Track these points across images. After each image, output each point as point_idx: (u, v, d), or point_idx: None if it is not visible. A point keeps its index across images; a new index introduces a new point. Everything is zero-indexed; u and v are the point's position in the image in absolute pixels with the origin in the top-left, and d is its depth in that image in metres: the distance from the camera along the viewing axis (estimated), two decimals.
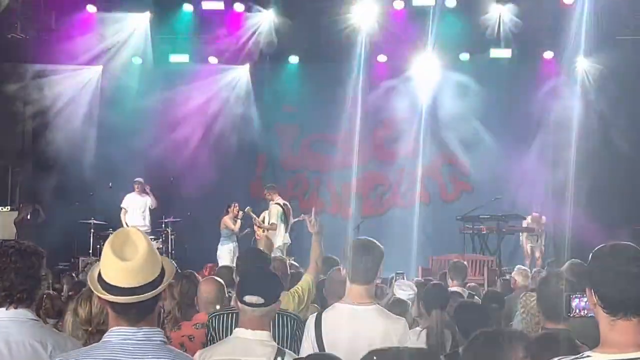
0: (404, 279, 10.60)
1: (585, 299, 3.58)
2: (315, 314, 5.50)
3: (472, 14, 18.70)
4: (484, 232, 17.30)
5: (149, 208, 18.75)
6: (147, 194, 18.74)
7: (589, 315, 3.57)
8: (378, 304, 5.59)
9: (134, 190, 18.69)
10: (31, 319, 4.39)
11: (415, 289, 8.82)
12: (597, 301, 3.22)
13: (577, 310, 3.89)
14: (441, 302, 6.87)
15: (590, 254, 3.28)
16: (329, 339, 5.17)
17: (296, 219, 18.17)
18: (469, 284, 11.47)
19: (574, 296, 3.90)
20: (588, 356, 3.20)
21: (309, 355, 4.64)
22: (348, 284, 5.43)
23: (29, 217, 18.72)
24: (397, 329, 5.22)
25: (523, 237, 18.82)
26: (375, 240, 5.56)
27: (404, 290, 8.53)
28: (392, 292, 8.81)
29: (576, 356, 3.25)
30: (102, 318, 4.98)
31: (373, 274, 5.38)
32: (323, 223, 7.39)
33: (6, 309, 4.35)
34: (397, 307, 7.66)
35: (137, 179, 18.68)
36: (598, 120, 19.73)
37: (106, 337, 3.42)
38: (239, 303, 4.66)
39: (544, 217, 19.04)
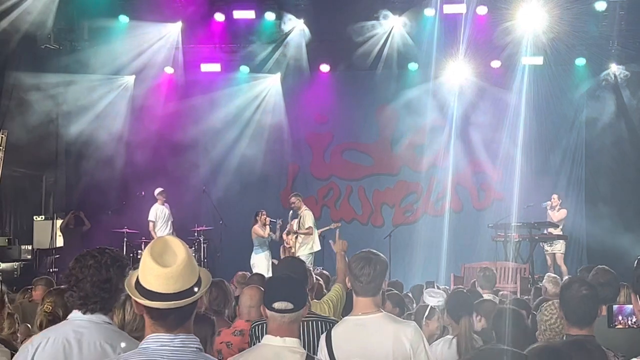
0: (433, 287, 10.58)
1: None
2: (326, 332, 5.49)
3: (503, 21, 18.59)
4: (516, 239, 17.14)
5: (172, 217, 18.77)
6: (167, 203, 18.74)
7: (635, 325, 3.49)
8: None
9: (156, 202, 18.63)
10: (106, 322, 4.50)
11: (446, 295, 8.81)
12: None
13: (627, 319, 3.82)
14: (468, 309, 6.84)
15: (636, 260, 3.21)
16: (339, 352, 5.15)
17: (326, 228, 18.20)
18: (501, 292, 11.42)
19: (621, 306, 3.83)
20: None
21: None
22: (354, 297, 5.37)
23: (72, 225, 18.88)
24: (408, 332, 5.15)
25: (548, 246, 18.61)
26: (378, 252, 5.40)
27: (434, 297, 8.51)
28: (422, 300, 8.80)
29: None
30: (135, 325, 5.03)
31: (377, 286, 5.30)
32: (346, 239, 7.51)
33: (83, 313, 4.48)
34: (425, 313, 7.67)
35: (160, 190, 18.65)
36: (631, 127, 19.62)
37: (144, 344, 3.44)
38: (267, 311, 4.64)
39: (563, 210, 18.68)
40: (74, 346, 4.37)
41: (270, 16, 19.81)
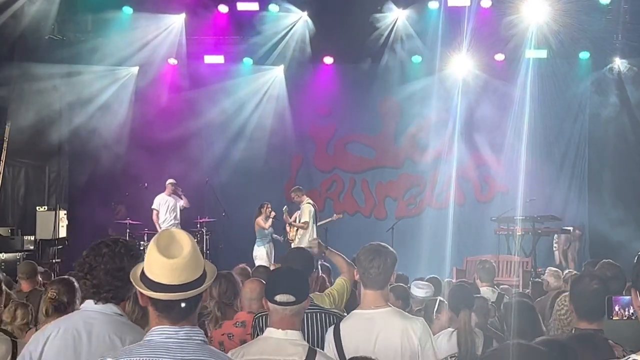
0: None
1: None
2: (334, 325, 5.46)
3: (507, 14, 18.55)
4: (519, 233, 17.12)
5: (180, 208, 18.68)
6: (178, 195, 18.66)
7: (633, 317, 3.49)
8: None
9: (164, 191, 18.62)
10: (117, 313, 4.47)
11: (433, 288, 8.86)
12: None
13: (623, 311, 3.82)
14: (467, 302, 6.83)
15: (637, 255, 3.21)
16: (348, 346, 5.12)
17: (328, 220, 18.22)
18: (502, 286, 11.43)
19: (618, 297, 3.82)
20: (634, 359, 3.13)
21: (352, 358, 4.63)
22: (362, 290, 5.38)
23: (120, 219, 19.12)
24: (416, 327, 5.14)
25: (556, 243, 18.75)
26: (387, 245, 5.42)
27: (421, 289, 8.53)
28: (410, 292, 8.84)
29: (620, 359, 3.17)
30: (134, 317, 5.03)
31: (386, 278, 5.29)
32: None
33: (95, 303, 4.46)
34: (435, 307, 7.66)
35: (170, 181, 18.65)
36: (634, 120, 19.60)
37: (148, 336, 3.45)
38: (269, 303, 4.64)
39: (577, 232, 19.00)
40: (83, 337, 4.36)
41: (273, 8, 19.74)
